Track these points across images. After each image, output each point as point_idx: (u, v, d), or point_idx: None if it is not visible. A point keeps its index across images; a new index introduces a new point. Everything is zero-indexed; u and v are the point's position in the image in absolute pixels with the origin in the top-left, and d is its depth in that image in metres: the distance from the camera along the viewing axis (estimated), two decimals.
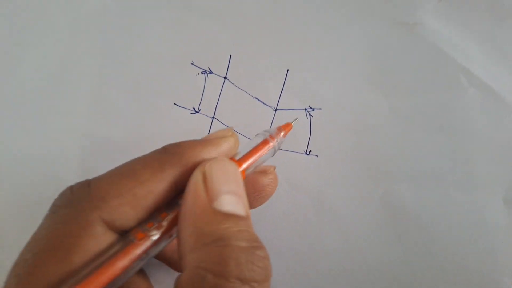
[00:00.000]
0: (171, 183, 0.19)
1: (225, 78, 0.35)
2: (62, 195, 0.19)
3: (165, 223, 0.19)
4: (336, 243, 0.34)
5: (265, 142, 0.23)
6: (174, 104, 0.35)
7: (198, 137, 0.35)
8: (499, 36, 0.33)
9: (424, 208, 0.33)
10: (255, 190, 0.25)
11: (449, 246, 0.33)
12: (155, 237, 0.18)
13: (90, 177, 0.35)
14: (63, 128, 0.35)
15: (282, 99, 0.34)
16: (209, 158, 0.20)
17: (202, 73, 0.35)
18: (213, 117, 0.35)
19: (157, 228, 0.19)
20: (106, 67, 0.35)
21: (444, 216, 0.33)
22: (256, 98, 0.35)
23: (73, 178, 0.34)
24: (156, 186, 0.19)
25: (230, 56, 0.35)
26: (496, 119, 0.33)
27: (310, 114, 0.34)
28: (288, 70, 0.34)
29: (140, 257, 0.18)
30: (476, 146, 0.33)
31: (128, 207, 0.18)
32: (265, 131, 0.24)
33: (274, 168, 0.26)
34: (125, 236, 0.19)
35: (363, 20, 0.34)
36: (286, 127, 0.25)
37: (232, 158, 0.22)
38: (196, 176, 0.19)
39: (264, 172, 0.25)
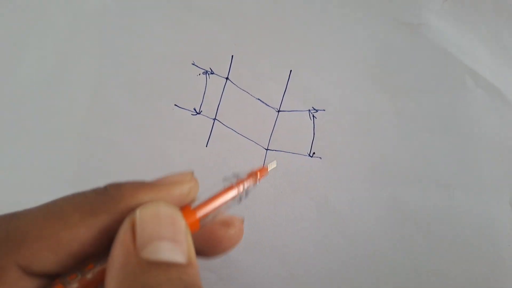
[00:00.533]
0: (104, 230, 0.17)
1: (227, 78, 0.34)
2: None
3: (89, 276, 0.17)
4: (341, 248, 0.34)
5: (229, 188, 0.21)
6: (175, 105, 0.35)
7: (199, 138, 0.35)
8: (505, 36, 0.33)
9: (430, 211, 0.33)
10: (213, 241, 0.22)
11: (455, 249, 0.33)
12: None
13: (87, 179, 0.35)
14: (62, 128, 0.35)
15: (285, 100, 0.34)
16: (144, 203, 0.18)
17: (203, 73, 0.35)
18: (215, 119, 0.34)
19: (80, 282, 0.17)
20: (106, 67, 0.35)
21: (450, 219, 0.33)
22: (258, 99, 0.34)
23: (72, 179, 0.34)
24: (85, 232, 0.17)
25: (232, 56, 0.34)
26: (503, 121, 0.33)
27: (313, 116, 0.34)
28: (291, 71, 0.34)
29: None
30: (483, 148, 0.33)
31: (50, 252, 0.16)
32: (234, 175, 0.22)
33: (242, 222, 0.23)
34: (47, 285, 0.17)
35: (367, 21, 0.34)
36: (262, 172, 0.22)
37: (186, 206, 0.20)
38: (125, 224, 0.17)
39: (226, 223, 0.22)
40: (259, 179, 0.22)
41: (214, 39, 0.34)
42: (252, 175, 0.22)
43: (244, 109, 0.34)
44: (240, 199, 0.21)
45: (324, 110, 0.34)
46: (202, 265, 0.36)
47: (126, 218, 0.17)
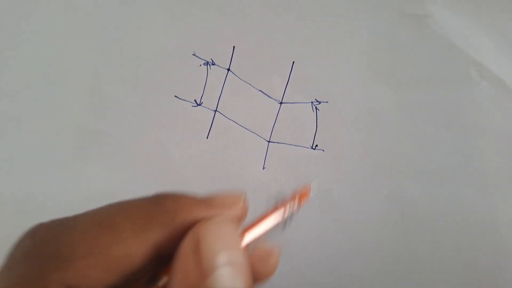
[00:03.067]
0: (155, 245, 0.16)
1: (228, 70, 0.34)
2: (23, 241, 0.16)
3: None
4: (341, 241, 0.33)
5: (275, 209, 0.19)
6: (175, 96, 0.34)
7: (199, 130, 0.35)
8: (510, 28, 0.33)
9: (433, 207, 0.33)
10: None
11: (459, 246, 0.33)
12: None
13: (86, 175, 0.34)
14: (61, 121, 0.34)
15: (287, 92, 0.34)
16: (203, 220, 0.16)
17: (204, 64, 0.34)
18: (216, 110, 0.34)
19: None
20: (105, 58, 0.34)
21: (454, 215, 0.33)
22: (260, 91, 0.34)
23: (68, 174, 0.34)
24: (137, 248, 0.15)
25: (234, 47, 0.34)
26: (509, 113, 0.33)
27: (316, 108, 0.34)
28: (294, 62, 0.34)
29: None
30: (488, 142, 0.33)
31: (99, 270, 0.15)
32: (278, 193, 0.20)
33: (280, 252, 0.21)
34: None
35: (371, 12, 0.33)
36: (305, 193, 0.20)
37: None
38: (187, 245, 0.15)
39: (266, 255, 0.20)
40: (302, 202, 0.20)
41: (215, 29, 0.34)
42: (296, 197, 0.20)
43: (245, 100, 0.34)
44: (285, 225, 0.19)
45: (327, 102, 0.34)
46: None
47: (188, 238, 0.16)
